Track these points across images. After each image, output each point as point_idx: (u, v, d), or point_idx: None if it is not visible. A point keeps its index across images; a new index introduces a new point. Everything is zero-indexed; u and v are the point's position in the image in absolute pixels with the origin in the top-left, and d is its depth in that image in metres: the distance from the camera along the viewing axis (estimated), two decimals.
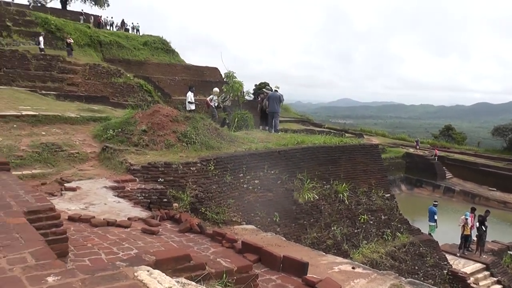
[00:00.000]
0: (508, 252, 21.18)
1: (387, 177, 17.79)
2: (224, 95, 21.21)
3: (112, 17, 57.28)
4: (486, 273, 18.28)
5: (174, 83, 44.26)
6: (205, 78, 47.28)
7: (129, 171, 10.52)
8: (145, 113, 13.64)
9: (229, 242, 6.55)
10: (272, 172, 13.02)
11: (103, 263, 5.12)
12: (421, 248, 15.80)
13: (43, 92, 24.19)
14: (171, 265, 3.63)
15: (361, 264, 8.03)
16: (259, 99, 20.82)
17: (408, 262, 14.87)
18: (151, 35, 52.76)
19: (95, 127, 14.50)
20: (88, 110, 17.24)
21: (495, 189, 42.78)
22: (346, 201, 14.70)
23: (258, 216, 11.90)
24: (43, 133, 13.09)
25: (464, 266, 17.91)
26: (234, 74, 22.24)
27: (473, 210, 19.99)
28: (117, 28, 55.87)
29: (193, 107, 20.10)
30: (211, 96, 20.59)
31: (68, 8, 59.67)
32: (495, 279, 18.13)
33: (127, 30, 55.85)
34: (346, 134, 42.81)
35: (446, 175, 46.55)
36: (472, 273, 17.59)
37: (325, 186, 14.50)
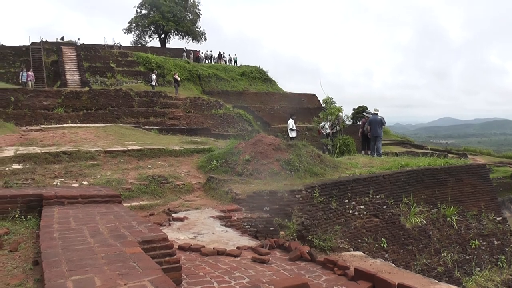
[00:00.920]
0: None
1: (497, 199, 16.85)
2: (332, 122, 21.32)
3: (211, 51, 59.54)
4: None
5: (273, 112, 44.85)
6: (303, 105, 47.49)
7: (234, 200, 10.89)
8: (247, 143, 14.11)
9: (341, 269, 6.56)
10: (378, 197, 12.91)
11: None
12: None
13: (147, 127, 25.59)
14: None
15: None
16: (360, 123, 20.74)
17: None
18: (248, 66, 54.08)
19: (199, 158, 15.10)
20: (191, 142, 17.95)
21: None
22: (455, 225, 14.16)
23: (366, 242, 11.79)
24: (149, 166, 13.86)
25: None
26: (332, 100, 22.29)
27: None
28: (214, 61, 57.94)
29: (294, 134, 20.39)
30: (322, 124, 20.85)
31: (167, 45, 62.86)
32: None
33: (225, 62, 57.71)
34: (449, 155, 40.97)
35: None
36: None
37: (432, 210, 14.07)
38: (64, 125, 24.52)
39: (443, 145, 73.79)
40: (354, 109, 54.79)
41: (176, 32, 63.97)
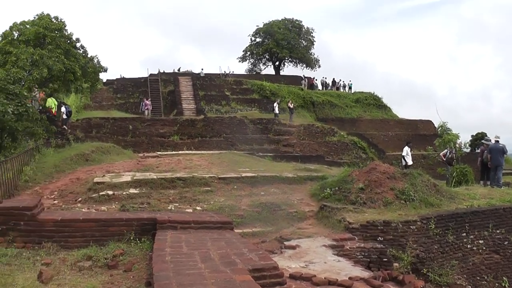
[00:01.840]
0: None
1: None
2: (448, 149, 20.59)
3: (325, 77, 59.60)
4: None
5: (388, 139, 43.82)
6: (418, 132, 46.01)
7: (347, 229, 10.71)
8: (361, 171, 13.91)
9: None
10: (498, 231, 12.24)
11: None
12: None
13: (260, 154, 25.88)
14: None
15: None
16: (479, 151, 19.82)
17: None
18: (362, 92, 53.46)
19: (312, 186, 15.00)
20: (304, 170, 17.88)
21: None
22: None
23: (485, 280, 11.27)
24: (262, 193, 13.93)
25: None
26: (448, 126, 21.54)
27: None
28: (329, 87, 57.87)
29: (410, 162, 19.93)
30: (445, 151, 20.24)
31: (282, 73, 63.83)
32: None
33: (338, 88, 57.47)
34: None
35: None
36: None
37: None
38: (180, 152, 25.49)
39: None
40: (472, 136, 52.13)
41: (290, 59, 64.83)
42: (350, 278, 7.49)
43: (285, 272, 7.15)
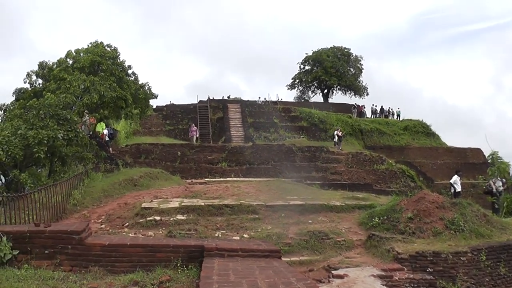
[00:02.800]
0: None
1: None
2: (495, 179, 20.01)
3: (375, 105, 59.12)
4: None
5: (436, 167, 42.96)
6: (467, 160, 44.93)
7: (396, 259, 10.64)
8: (410, 200, 13.80)
9: None
10: None
11: None
12: None
13: (308, 181, 25.61)
14: None
15: None
16: None
17: None
18: (411, 120, 52.72)
19: (360, 214, 14.78)
20: (353, 198, 17.60)
21: None
22: None
23: None
24: (309, 221, 13.74)
25: None
26: (499, 154, 20.96)
27: None
28: (377, 115, 57.33)
29: (459, 190, 19.54)
30: (493, 179, 19.70)
31: (330, 100, 63.69)
32: None
33: (386, 116, 56.84)
34: None
35: None
36: None
37: None
38: (228, 178, 25.53)
39: None
40: None
41: (338, 87, 64.67)
42: None
43: None
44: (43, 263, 6.93)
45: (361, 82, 65.76)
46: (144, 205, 13.89)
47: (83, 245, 7.14)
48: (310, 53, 64.96)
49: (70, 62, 26.26)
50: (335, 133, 37.73)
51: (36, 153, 14.51)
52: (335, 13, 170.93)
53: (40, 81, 26.99)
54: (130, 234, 11.41)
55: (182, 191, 17.88)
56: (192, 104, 47.38)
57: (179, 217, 13.02)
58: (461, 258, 10.63)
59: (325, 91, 65.45)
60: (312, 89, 67.15)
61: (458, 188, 20.27)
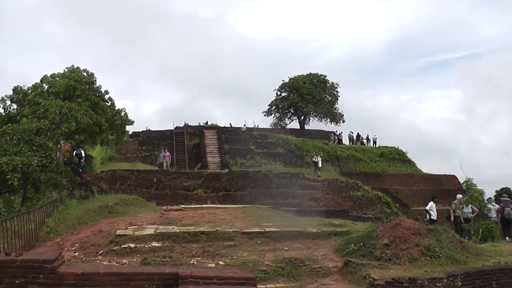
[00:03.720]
0: None
1: None
2: (457, 204, 20.39)
3: (352, 132, 59.62)
4: None
5: (412, 194, 43.46)
6: (443, 187, 45.47)
7: (372, 286, 10.63)
8: (386, 227, 13.88)
9: None
10: None
11: None
12: None
13: (284, 208, 25.59)
14: None
15: None
16: (499, 208, 19.87)
17: None
18: (387, 147, 53.32)
19: (336, 241, 14.82)
20: (329, 225, 17.65)
21: None
22: None
23: None
24: (285, 248, 13.73)
25: None
26: (473, 181, 21.38)
27: None
28: (354, 142, 57.80)
29: (435, 217, 19.85)
30: (460, 206, 20.11)
31: (307, 127, 64.05)
32: None
33: (362, 143, 57.35)
34: None
35: None
36: None
37: None
38: (203, 205, 25.40)
39: None
40: (496, 191, 51.36)
41: (315, 113, 65.07)
42: None
43: None
44: None
45: (337, 109, 66.30)
46: (118, 232, 13.73)
47: (56, 274, 7.01)
48: (287, 80, 65.50)
49: (46, 87, 26.06)
50: (313, 159, 37.92)
51: (10, 180, 14.28)
52: (309, 39, 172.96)
53: (14, 106, 26.69)
54: (104, 262, 11.25)
55: (158, 218, 17.74)
56: (168, 130, 47.25)
57: (154, 244, 12.90)
58: (437, 284, 10.66)
59: (302, 117, 65.80)
60: (288, 116, 67.46)
61: (434, 215, 20.51)
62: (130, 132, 41.81)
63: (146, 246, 12.66)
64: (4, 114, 26.22)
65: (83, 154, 26.20)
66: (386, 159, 50.23)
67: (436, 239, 12.83)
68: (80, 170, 24.42)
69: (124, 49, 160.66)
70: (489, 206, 20.85)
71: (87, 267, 7.79)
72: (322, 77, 65.40)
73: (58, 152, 21.85)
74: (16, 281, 6.85)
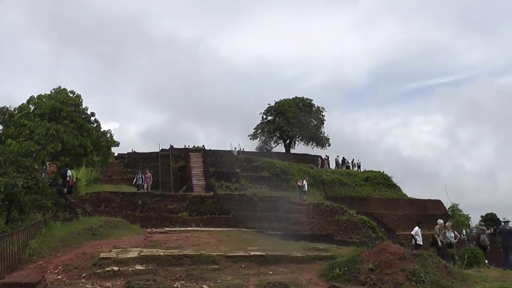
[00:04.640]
0: None
1: None
2: (439, 229, 20.61)
3: (338, 156, 59.95)
4: None
5: (397, 218, 43.66)
6: (428, 212, 45.70)
7: None
8: (371, 251, 13.82)
9: None
10: None
11: None
12: None
13: (269, 232, 25.57)
14: None
15: None
16: (475, 234, 20.18)
17: None
18: (372, 171, 53.67)
19: (321, 265, 14.73)
20: (314, 249, 17.63)
21: None
22: None
23: None
24: (270, 272, 13.67)
25: None
26: (459, 206, 21.60)
27: None
28: (339, 166, 58.06)
29: (420, 242, 19.91)
30: (437, 230, 20.37)
31: (292, 151, 64.30)
32: None
33: (348, 167, 57.64)
34: None
35: None
36: None
37: None
38: (188, 228, 25.33)
39: None
40: (482, 216, 51.81)
41: (300, 137, 65.34)
42: None
43: None
44: None
45: (322, 133, 66.68)
46: (102, 255, 13.63)
47: None
48: (273, 104, 65.87)
49: (32, 108, 26.04)
50: (298, 183, 37.99)
51: None
52: (292, 64, 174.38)
53: (0, 126, 26.59)
54: (88, 285, 11.16)
55: (142, 240, 17.64)
56: (154, 152, 47.29)
57: (138, 267, 12.82)
58: None
59: (287, 141, 66.05)
60: (274, 139, 67.65)
61: (420, 240, 20.62)
62: (116, 154, 41.70)
63: (130, 269, 12.58)
64: None
65: (68, 174, 26.03)
66: (371, 183, 50.53)
67: (421, 264, 12.80)
68: (65, 191, 24.26)
69: (106, 70, 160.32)
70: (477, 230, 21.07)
71: None
72: (308, 101, 65.95)
73: (43, 173, 21.73)
74: None
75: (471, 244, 20.46)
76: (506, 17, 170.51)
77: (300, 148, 65.86)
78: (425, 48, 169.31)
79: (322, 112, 66.71)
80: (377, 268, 12.68)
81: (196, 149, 50.15)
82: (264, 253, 15.14)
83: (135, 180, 35.15)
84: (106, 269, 12.46)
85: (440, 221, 21.04)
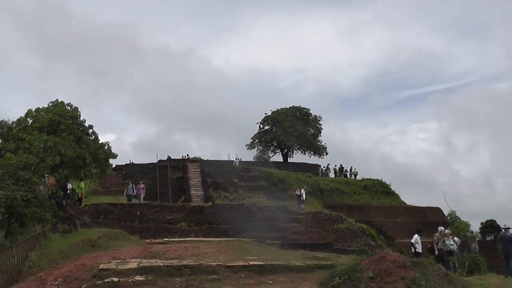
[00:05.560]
0: None
1: None
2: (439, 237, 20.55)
3: (336, 165, 60.06)
4: None
5: (396, 226, 43.62)
6: (427, 219, 45.60)
7: None
8: (371, 260, 13.76)
9: None
10: None
11: None
12: None
13: (268, 241, 25.55)
14: None
15: None
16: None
17: None
18: (370, 179, 53.67)
19: (320, 274, 14.72)
20: (313, 258, 17.65)
21: None
22: None
23: None
24: (269, 282, 13.71)
25: None
26: (457, 214, 21.65)
27: None
28: (337, 174, 58.13)
29: (420, 250, 19.86)
30: (436, 238, 20.27)
31: (290, 160, 64.32)
32: None
33: (345, 175, 57.71)
34: None
35: None
36: None
37: None
38: (187, 238, 25.30)
39: None
40: (482, 223, 51.78)
41: (298, 146, 65.32)
42: None
43: None
44: None
45: (320, 141, 66.67)
46: (101, 266, 13.65)
47: None
48: (269, 113, 65.90)
49: (30, 121, 26.10)
50: (296, 192, 38.03)
51: None
52: (285, 73, 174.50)
53: None
54: None
55: (141, 251, 17.66)
56: (152, 163, 47.28)
57: (138, 278, 12.84)
58: None
59: (285, 150, 66.02)
60: (271, 149, 67.61)
61: (419, 248, 20.60)
62: (114, 166, 41.71)
63: (129, 280, 12.60)
64: None
65: (68, 186, 26.07)
66: (369, 191, 50.53)
67: (421, 272, 12.77)
68: (64, 203, 24.26)
69: (96, 82, 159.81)
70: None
71: None
72: (305, 110, 65.96)
73: (42, 186, 21.77)
74: None
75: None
76: (499, 23, 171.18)
77: (297, 157, 65.84)
78: (419, 55, 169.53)
79: (319, 121, 66.76)
80: (377, 276, 12.66)
81: (194, 160, 50.17)
82: (264, 263, 15.17)
83: (126, 191, 35.12)
84: (106, 280, 12.49)
85: (441, 228, 20.89)
